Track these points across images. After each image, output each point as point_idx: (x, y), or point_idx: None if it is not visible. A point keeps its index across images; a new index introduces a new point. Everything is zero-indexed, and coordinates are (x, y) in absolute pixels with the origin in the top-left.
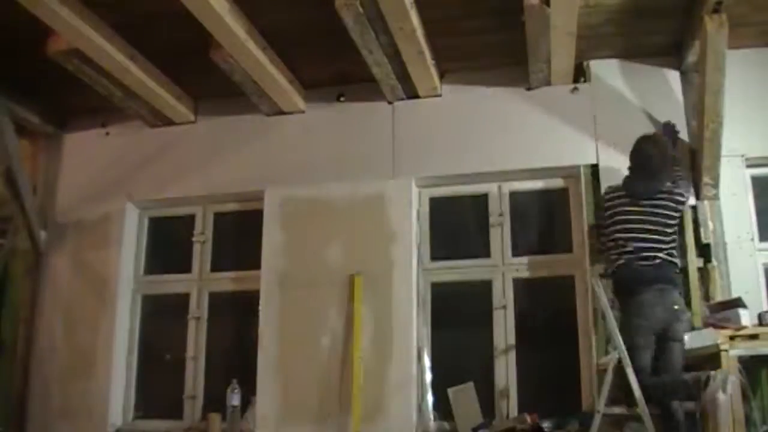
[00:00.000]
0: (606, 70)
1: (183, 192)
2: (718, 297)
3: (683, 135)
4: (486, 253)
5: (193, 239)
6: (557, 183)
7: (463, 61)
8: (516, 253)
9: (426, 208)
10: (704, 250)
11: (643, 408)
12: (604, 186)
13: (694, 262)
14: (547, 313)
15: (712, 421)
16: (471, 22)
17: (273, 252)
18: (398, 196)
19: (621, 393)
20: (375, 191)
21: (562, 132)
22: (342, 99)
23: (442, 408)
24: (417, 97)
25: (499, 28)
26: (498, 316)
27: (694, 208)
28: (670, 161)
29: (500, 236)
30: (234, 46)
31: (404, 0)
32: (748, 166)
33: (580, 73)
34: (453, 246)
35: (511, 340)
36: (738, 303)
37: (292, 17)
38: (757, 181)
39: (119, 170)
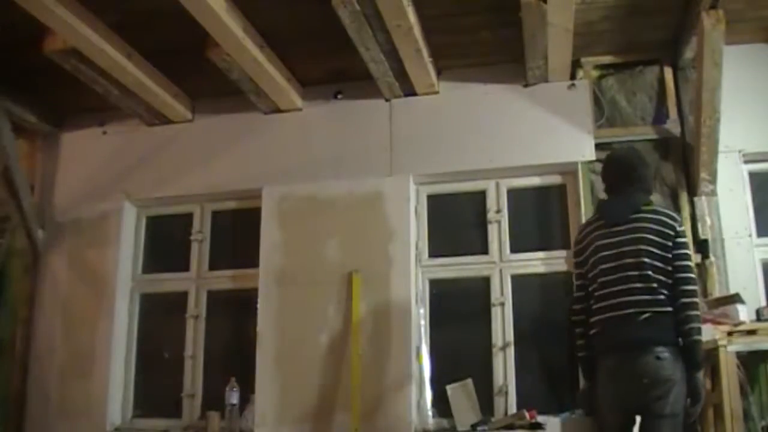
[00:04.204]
0: None
1: (181, 190)
2: (716, 293)
3: (681, 131)
4: (484, 249)
5: (191, 238)
6: (555, 179)
7: (460, 59)
8: (514, 249)
9: (424, 206)
10: (702, 246)
11: None
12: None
13: (691, 258)
14: (546, 310)
15: None
16: (468, 19)
17: (271, 250)
18: (396, 194)
19: None
20: (373, 189)
21: (559, 128)
22: (339, 97)
23: (441, 405)
24: (414, 94)
25: (496, 25)
26: (496, 312)
27: (692, 203)
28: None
29: (498, 233)
30: (231, 45)
31: None
32: (746, 162)
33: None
34: (451, 243)
35: (510, 336)
36: (736, 299)
37: (289, 15)
38: (754, 177)
39: (117, 169)
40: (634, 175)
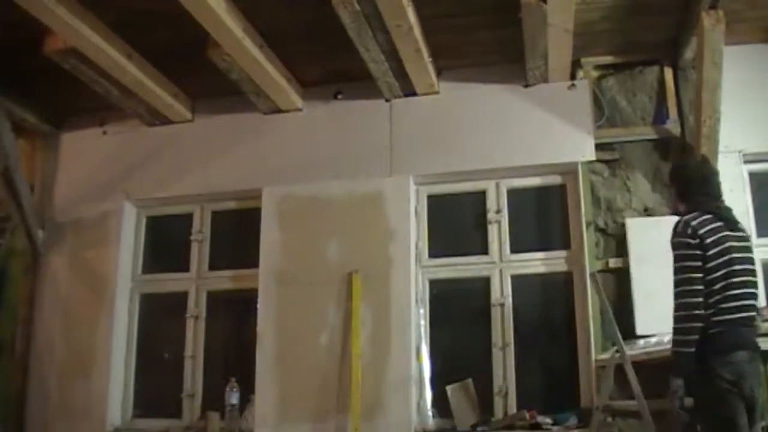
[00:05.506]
0: None
1: (181, 190)
2: None
3: (681, 131)
4: (484, 249)
5: (191, 238)
6: (555, 180)
7: (460, 59)
8: (514, 249)
9: (424, 206)
10: None
11: (641, 403)
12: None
13: None
14: (545, 310)
15: None
16: (468, 20)
17: (271, 250)
18: (396, 194)
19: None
20: (373, 189)
21: (559, 129)
22: (339, 97)
23: (441, 405)
24: (414, 94)
25: (496, 25)
26: (496, 312)
27: None
28: None
29: (498, 233)
30: (231, 45)
31: None
32: (746, 162)
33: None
34: (451, 243)
35: (510, 336)
36: None
37: (289, 15)
38: (754, 177)
39: (117, 169)
40: (718, 186)
